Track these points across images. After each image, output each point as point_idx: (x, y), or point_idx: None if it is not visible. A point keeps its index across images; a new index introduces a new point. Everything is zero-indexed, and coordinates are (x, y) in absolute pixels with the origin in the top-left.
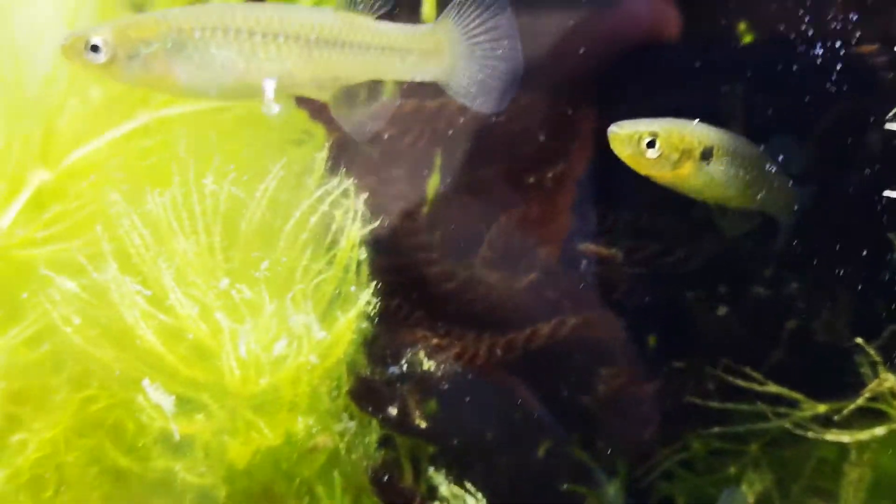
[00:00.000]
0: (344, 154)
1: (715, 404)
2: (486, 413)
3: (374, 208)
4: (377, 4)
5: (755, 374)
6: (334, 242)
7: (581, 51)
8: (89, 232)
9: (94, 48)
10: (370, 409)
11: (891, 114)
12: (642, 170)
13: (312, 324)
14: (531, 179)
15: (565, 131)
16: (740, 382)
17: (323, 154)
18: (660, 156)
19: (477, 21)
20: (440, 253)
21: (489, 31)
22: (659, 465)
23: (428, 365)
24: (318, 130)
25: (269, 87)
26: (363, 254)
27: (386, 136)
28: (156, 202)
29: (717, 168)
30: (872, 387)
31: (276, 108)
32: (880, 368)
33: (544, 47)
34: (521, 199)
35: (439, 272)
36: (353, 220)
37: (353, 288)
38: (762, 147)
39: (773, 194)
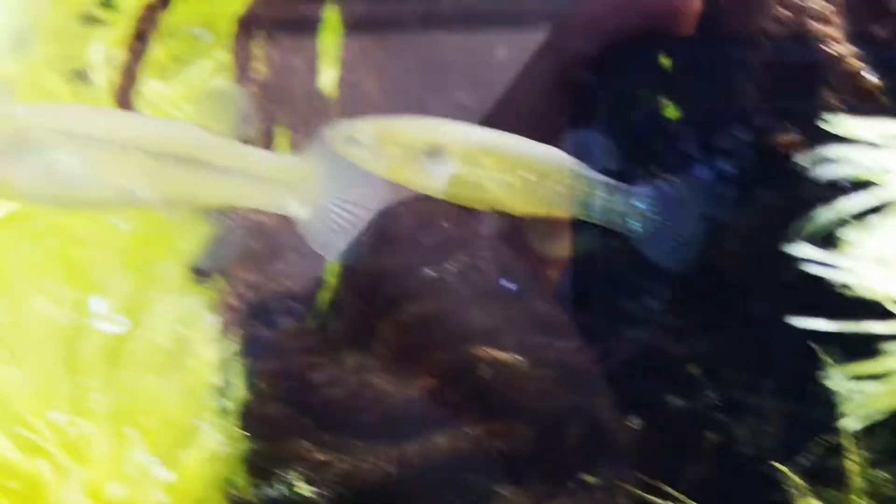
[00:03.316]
0: (224, 247)
1: None
2: None
3: (257, 307)
4: (242, 125)
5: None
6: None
7: None
8: None
9: None
10: None
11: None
12: (363, 166)
13: (153, 465)
14: (432, 272)
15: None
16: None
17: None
18: (369, 154)
19: (343, 162)
20: (328, 355)
21: (356, 175)
22: None
23: (309, 492)
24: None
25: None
26: (220, 379)
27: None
28: None
29: (455, 169)
30: None
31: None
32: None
33: None
34: (420, 293)
35: (327, 377)
36: (206, 342)
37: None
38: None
39: (584, 197)
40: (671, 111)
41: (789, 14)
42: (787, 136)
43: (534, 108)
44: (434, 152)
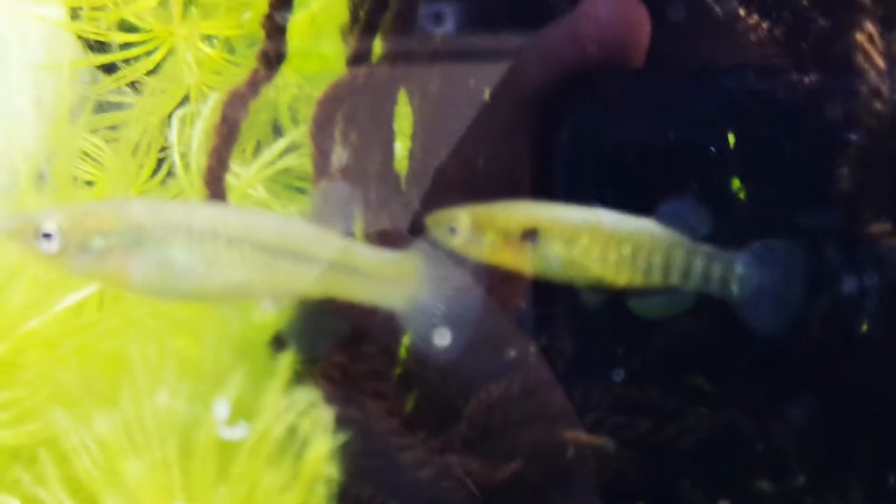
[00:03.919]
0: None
1: None
2: None
3: (344, 388)
4: (346, 221)
5: None
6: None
7: None
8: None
9: (46, 236)
10: None
11: None
12: (462, 253)
13: None
14: (512, 352)
15: None
16: None
17: (288, 359)
18: (467, 240)
19: (446, 263)
20: (415, 436)
21: (456, 276)
22: None
23: None
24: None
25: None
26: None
27: None
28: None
29: (553, 249)
30: None
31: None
32: None
33: None
34: (505, 369)
35: (415, 458)
36: (319, 431)
37: None
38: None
39: (680, 265)
40: (739, 189)
41: (887, 110)
42: (880, 225)
43: (493, 148)
44: (530, 235)
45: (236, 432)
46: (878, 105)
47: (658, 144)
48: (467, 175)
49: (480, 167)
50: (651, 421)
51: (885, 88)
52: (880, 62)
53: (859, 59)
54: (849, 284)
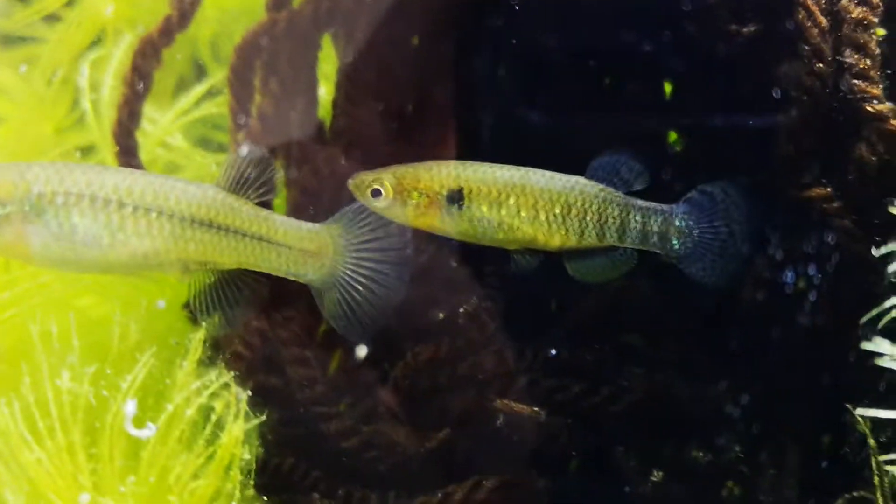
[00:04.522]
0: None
1: None
2: None
3: (265, 355)
4: (262, 189)
5: None
6: (214, 435)
7: None
8: None
9: None
10: None
11: None
12: (386, 215)
13: None
14: (440, 313)
15: None
16: None
17: (200, 335)
18: (392, 203)
19: (368, 236)
20: (338, 404)
21: (378, 251)
22: None
23: None
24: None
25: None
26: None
27: None
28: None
29: (478, 212)
30: None
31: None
32: None
33: None
34: (432, 332)
35: (339, 427)
36: (235, 416)
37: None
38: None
39: (616, 223)
40: (675, 140)
41: (829, 70)
42: (819, 190)
43: (406, 59)
44: (456, 196)
45: (144, 432)
46: (818, 65)
47: (591, 47)
48: (382, 96)
49: (397, 82)
50: (584, 384)
51: (826, 48)
52: (822, 20)
53: (801, 16)
54: (786, 247)
